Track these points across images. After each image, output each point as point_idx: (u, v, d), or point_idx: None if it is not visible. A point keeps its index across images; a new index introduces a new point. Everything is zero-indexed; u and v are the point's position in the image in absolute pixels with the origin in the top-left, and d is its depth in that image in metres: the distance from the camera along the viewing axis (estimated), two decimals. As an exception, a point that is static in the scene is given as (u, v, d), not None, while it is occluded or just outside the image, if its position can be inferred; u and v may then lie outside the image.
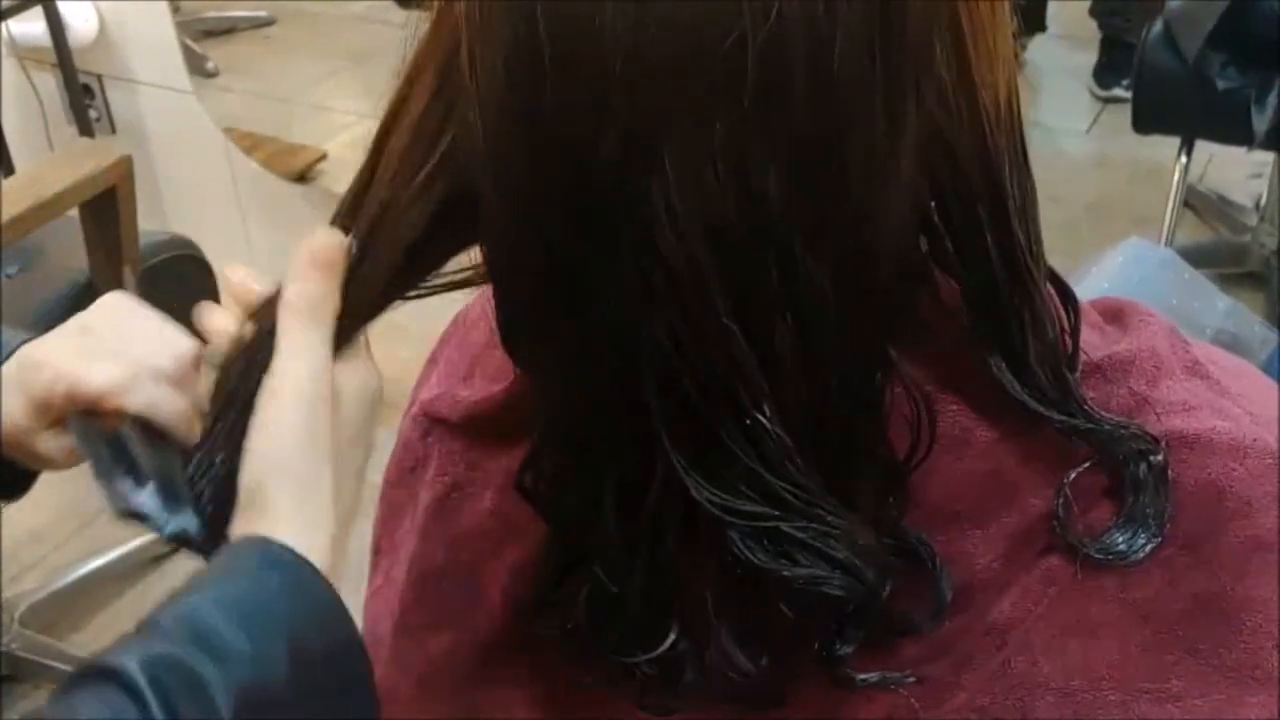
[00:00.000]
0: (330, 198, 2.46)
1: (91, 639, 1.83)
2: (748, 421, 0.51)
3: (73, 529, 2.00)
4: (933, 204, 0.53)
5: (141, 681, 0.47)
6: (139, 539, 1.94)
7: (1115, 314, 0.65)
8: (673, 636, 0.56)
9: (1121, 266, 1.13)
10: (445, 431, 0.70)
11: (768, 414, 0.51)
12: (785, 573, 0.52)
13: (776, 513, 0.52)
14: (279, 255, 1.99)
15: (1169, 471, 0.57)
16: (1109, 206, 2.62)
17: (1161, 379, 0.61)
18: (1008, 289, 0.55)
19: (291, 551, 0.52)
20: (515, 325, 0.57)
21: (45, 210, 1.33)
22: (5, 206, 1.32)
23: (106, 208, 1.41)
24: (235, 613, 0.49)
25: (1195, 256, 2.35)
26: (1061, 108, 3.07)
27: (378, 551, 0.75)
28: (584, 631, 0.58)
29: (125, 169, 1.40)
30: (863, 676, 0.56)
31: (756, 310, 0.51)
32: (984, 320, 0.56)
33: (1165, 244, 2.16)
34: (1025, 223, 0.56)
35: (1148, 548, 0.57)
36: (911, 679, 0.56)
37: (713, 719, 0.60)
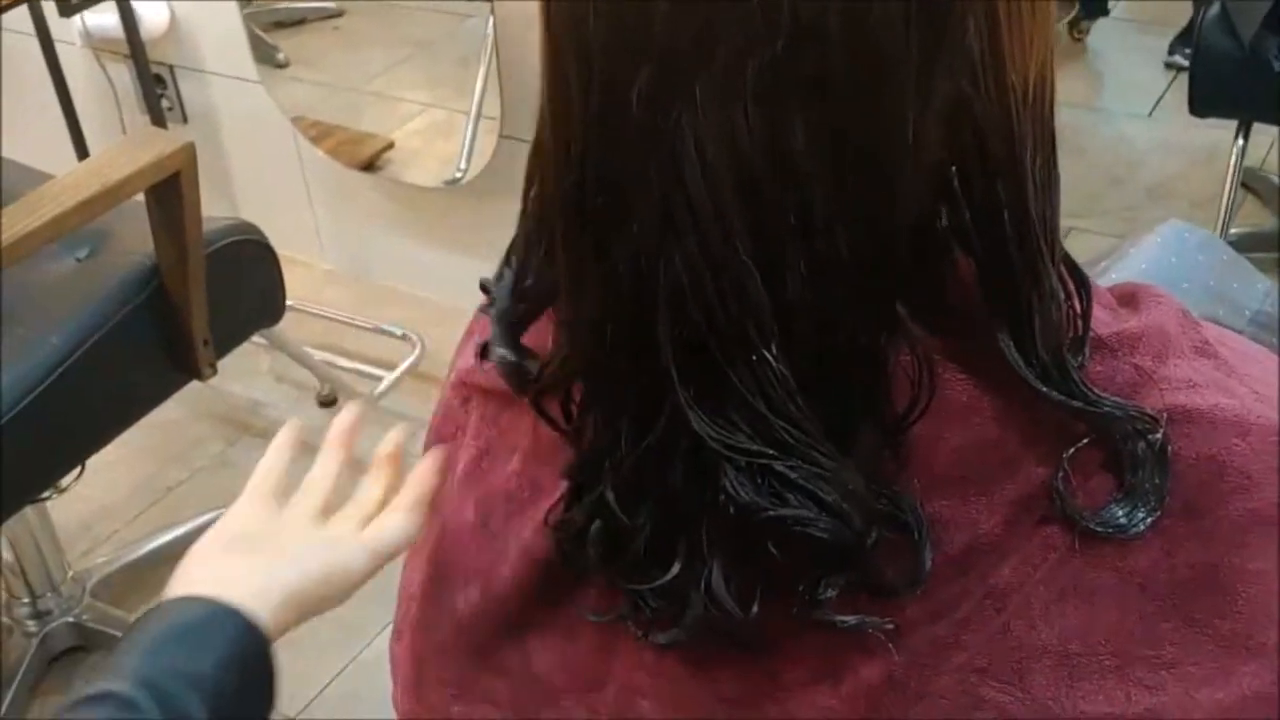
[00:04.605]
0: (396, 186, 2.51)
1: (160, 612, 1.88)
2: (754, 358, 0.53)
3: (144, 505, 2.06)
4: (955, 175, 0.54)
5: (137, 696, 0.62)
6: (207, 515, 1.99)
7: (1129, 297, 0.66)
8: (676, 568, 0.58)
9: (1160, 247, 1.13)
10: (481, 398, 0.72)
11: (774, 353, 0.53)
12: (772, 512, 0.54)
13: (772, 451, 0.54)
14: (346, 242, 2.05)
15: (1169, 447, 0.58)
16: (1169, 189, 2.59)
17: (1169, 356, 0.62)
18: (1020, 267, 0.57)
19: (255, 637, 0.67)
20: (553, 255, 0.59)
21: (112, 195, 1.38)
22: (74, 192, 1.36)
23: (171, 193, 1.45)
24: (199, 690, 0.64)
25: (1253, 241, 2.32)
26: (1123, 91, 3.03)
27: (418, 515, 0.78)
28: (595, 561, 0.60)
29: (188, 155, 1.44)
30: (841, 619, 0.57)
31: (772, 252, 0.52)
32: (994, 296, 0.57)
33: (1221, 227, 2.13)
34: (1044, 207, 0.58)
35: (1147, 520, 0.58)
36: (890, 625, 0.58)
37: (710, 672, 0.62)
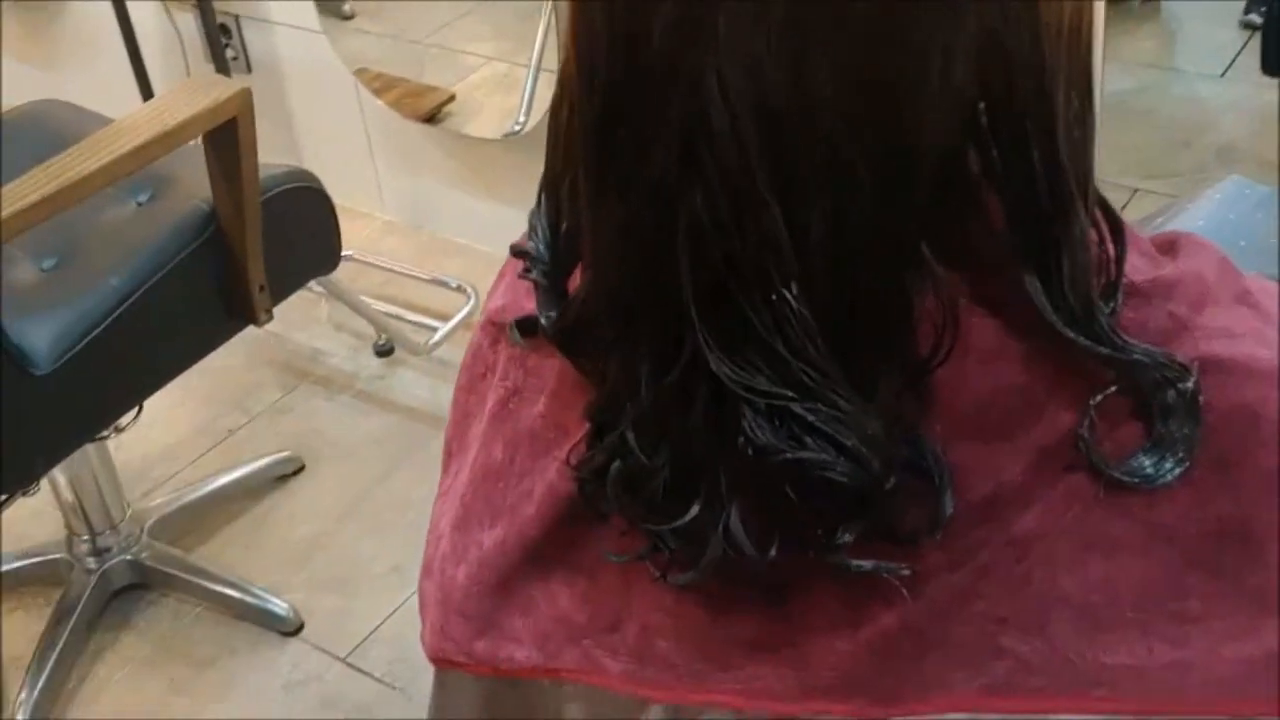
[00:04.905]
0: (456, 139, 2.52)
1: (216, 551, 1.92)
2: (774, 298, 0.53)
3: (204, 448, 2.10)
4: (983, 111, 0.53)
5: None
6: (265, 459, 2.03)
7: (1169, 245, 0.65)
8: (695, 509, 0.57)
9: (1219, 204, 1.11)
10: (509, 339, 0.73)
11: (794, 293, 0.53)
12: (790, 454, 0.54)
13: (791, 394, 0.54)
14: (406, 194, 2.09)
15: (1201, 397, 0.57)
16: (1239, 151, 2.53)
17: (1206, 304, 0.60)
18: (1049, 208, 0.56)
19: None
20: (576, 190, 0.59)
21: (168, 140, 1.39)
22: (131, 136, 1.38)
23: (228, 139, 1.47)
24: None
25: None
26: (1197, 51, 2.97)
27: (449, 454, 0.79)
28: (614, 501, 0.60)
29: (245, 101, 1.45)
30: (856, 563, 0.57)
31: (794, 190, 0.52)
32: (1022, 237, 0.56)
33: (1291, 190, 2.07)
34: (1078, 148, 0.56)
35: (1175, 471, 0.57)
36: (906, 571, 0.57)
37: (728, 614, 0.62)
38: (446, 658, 0.73)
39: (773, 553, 0.57)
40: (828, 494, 0.55)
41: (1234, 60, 2.85)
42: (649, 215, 0.54)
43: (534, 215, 0.66)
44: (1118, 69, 2.47)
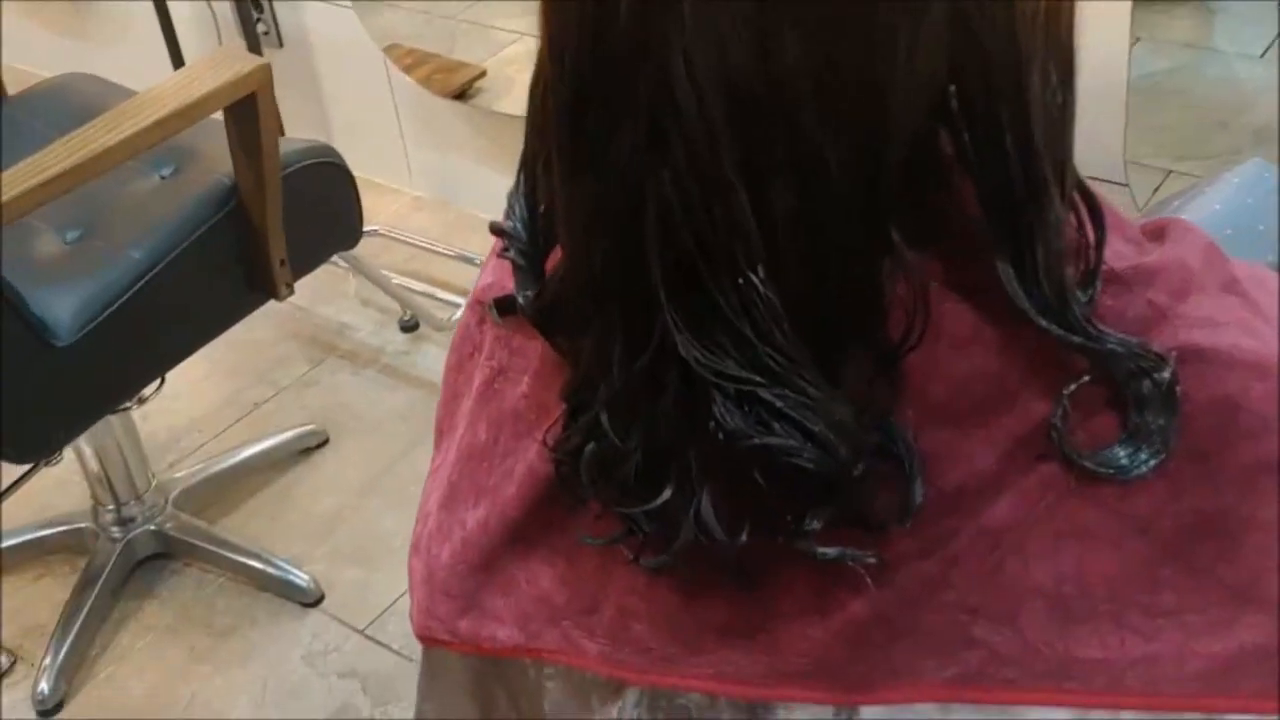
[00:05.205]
0: (487, 115, 2.50)
1: (240, 523, 1.94)
2: (741, 281, 0.53)
3: (229, 420, 2.11)
4: (955, 95, 0.53)
5: None
6: (291, 432, 2.04)
7: (1158, 231, 0.64)
8: (667, 493, 0.57)
9: (1236, 188, 1.09)
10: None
11: (761, 276, 0.52)
12: (758, 440, 0.53)
13: (759, 379, 0.53)
14: (434, 170, 2.07)
15: (1179, 387, 0.56)
16: (1277, 133, 2.49)
17: (1190, 292, 0.59)
18: (1021, 193, 0.55)
19: None
20: (550, 171, 0.59)
21: (187, 114, 1.40)
22: (152, 110, 1.39)
23: (248, 113, 1.48)
24: None
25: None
26: (1237, 30, 2.91)
27: (439, 433, 0.79)
28: (588, 482, 0.60)
29: (265, 76, 1.46)
30: (821, 550, 0.56)
31: (761, 171, 0.52)
32: (995, 222, 0.56)
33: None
34: (1054, 132, 0.56)
35: (1150, 463, 0.57)
36: (872, 559, 0.57)
37: (701, 599, 0.62)
38: (432, 635, 0.74)
39: (743, 538, 0.57)
40: (796, 480, 0.55)
41: (1275, 40, 2.80)
42: (619, 195, 0.54)
43: (512, 194, 0.66)
44: (1152, 48, 2.44)
